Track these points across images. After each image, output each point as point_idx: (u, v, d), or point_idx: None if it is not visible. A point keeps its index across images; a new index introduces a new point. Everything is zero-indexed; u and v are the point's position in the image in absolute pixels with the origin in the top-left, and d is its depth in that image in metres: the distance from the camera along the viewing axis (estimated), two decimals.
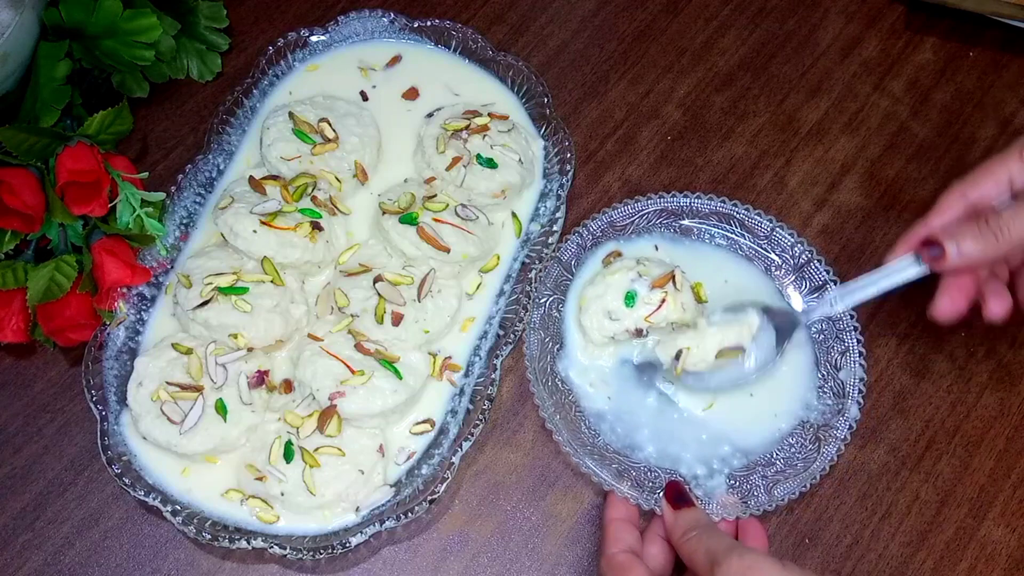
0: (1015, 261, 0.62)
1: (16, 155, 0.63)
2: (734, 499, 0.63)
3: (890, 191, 0.75)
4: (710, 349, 0.64)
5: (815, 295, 0.68)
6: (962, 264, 0.58)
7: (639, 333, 0.66)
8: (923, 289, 0.71)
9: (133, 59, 0.69)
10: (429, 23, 0.77)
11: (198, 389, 0.63)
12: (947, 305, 0.60)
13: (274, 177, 0.69)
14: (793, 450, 0.64)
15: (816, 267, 0.69)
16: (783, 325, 0.66)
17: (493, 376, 0.65)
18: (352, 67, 0.76)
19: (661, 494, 0.61)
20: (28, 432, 0.66)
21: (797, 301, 0.69)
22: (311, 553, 0.60)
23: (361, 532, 0.60)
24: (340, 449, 0.62)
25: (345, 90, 0.75)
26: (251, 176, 0.69)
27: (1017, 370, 0.69)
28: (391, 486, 0.63)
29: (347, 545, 0.60)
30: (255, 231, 0.66)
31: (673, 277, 0.66)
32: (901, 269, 0.61)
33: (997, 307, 0.60)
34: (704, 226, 0.71)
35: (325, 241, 0.68)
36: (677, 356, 0.64)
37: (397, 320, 0.65)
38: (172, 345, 0.64)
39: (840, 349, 0.67)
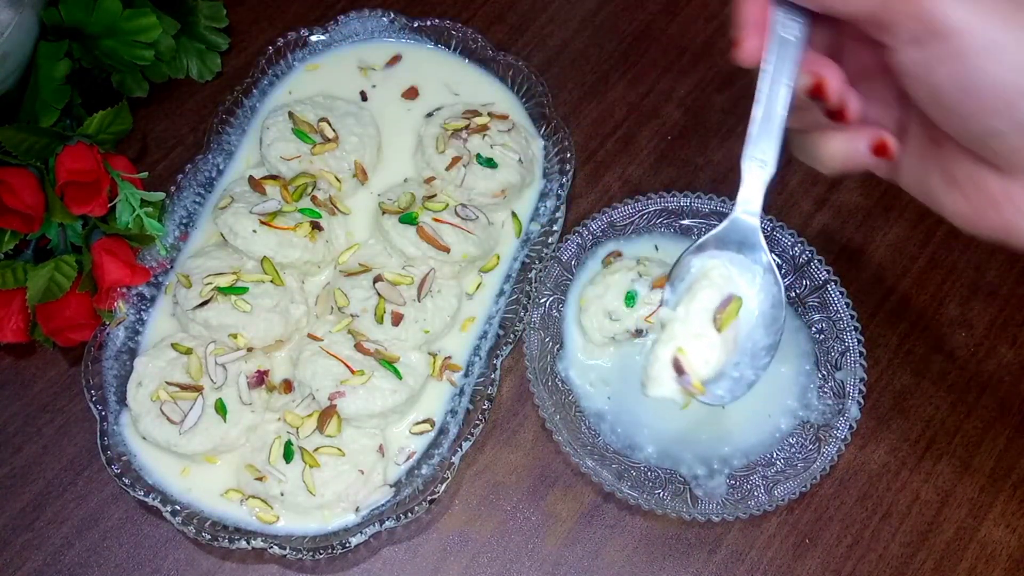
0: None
1: (16, 155, 0.63)
2: None
3: (890, 191, 0.75)
4: (704, 323, 0.48)
5: (815, 294, 0.68)
6: None
7: (639, 333, 0.66)
8: (923, 288, 0.72)
9: (133, 59, 0.69)
10: (429, 23, 0.77)
11: (198, 389, 0.63)
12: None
13: (274, 177, 0.69)
14: (793, 450, 0.64)
15: (816, 267, 0.69)
16: (742, 239, 0.48)
17: (493, 376, 0.65)
18: (352, 67, 0.76)
19: None
20: (28, 432, 0.66)
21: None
22: (311, 553, 0.60)
23: (361, 532, 0.60)
24: (340, 449, 0.62)
25: (345, 90, 0.75)
26: (251, 176, 0.69)
27: (1017, 370, 0.69)
28: (391, 486, 0.63)
29: (347, 545, 0.60)
30: (255, 231, 0.66)
31: None
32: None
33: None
34: (704, 226, 0.71)
35: (325, 241, 0.68)
36: (678, 370, 0.49)
37: (397, 320, 0.65)
38: (172, 345, 0.64)
39: (840, 349, 0.67)
